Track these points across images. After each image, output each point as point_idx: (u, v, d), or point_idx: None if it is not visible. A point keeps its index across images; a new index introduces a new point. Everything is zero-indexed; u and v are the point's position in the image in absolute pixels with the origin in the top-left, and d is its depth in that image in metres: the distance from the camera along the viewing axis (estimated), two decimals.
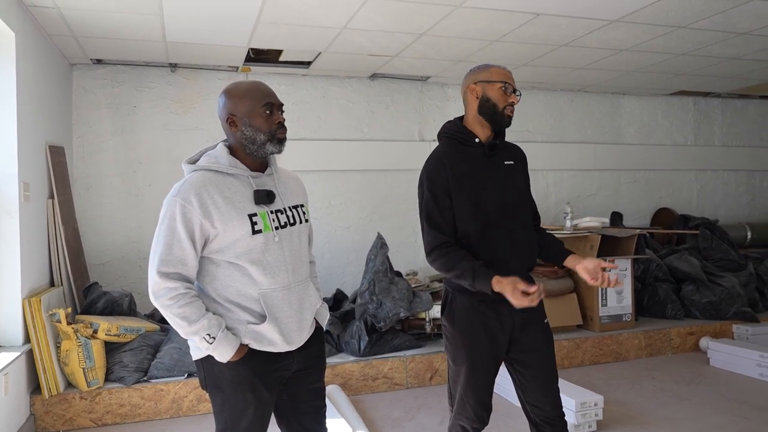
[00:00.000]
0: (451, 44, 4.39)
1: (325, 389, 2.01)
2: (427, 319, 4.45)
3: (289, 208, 1.88)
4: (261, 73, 5.07)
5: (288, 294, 1.81)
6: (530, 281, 2.10)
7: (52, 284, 3.90)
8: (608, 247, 4.89)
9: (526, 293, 1.89)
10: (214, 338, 1.69)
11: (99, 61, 4.72)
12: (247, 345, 1.76)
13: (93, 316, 3.78)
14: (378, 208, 5.54)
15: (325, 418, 1.99)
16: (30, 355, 3.38)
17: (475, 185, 2.09)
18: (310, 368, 1.92)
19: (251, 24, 3.86)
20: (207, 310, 1.74)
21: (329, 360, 4.10)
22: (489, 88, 2.10)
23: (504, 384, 3.98)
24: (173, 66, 4.91)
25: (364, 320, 4.22)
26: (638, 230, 5.06)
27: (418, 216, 2.17)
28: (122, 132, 4.84)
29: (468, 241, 2.09)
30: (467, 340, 2.10)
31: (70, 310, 3.59)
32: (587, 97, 6.30)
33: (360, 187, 5.49)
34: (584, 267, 2.09)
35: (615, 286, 1.89)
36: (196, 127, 4.96)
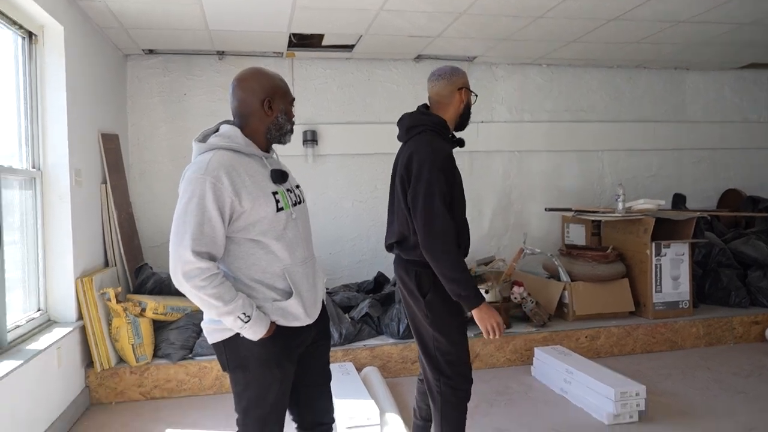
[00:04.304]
0: (493, 22, 4.26)
1: (329, 364, 2.06)
2: None
3: (295, 187, 1.94)
4: (305, 59, 5.11)
5: (305, 268, 1.86)
6: None
7: (106, 265, 4.12)
8: (664, 230, 4.64)
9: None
10: (249, 317, 1.70)
11: (151, 51, 4.90)
12: (274, 322, 1.79)
13: (142, 295, 3.97)
14: None
15: (330, 391, 2.04)
16: (83, 331, 3.59)
17: (459, 179, 2.31)
18: (319, 342, 1.98)
19: (288, 9, 3.89)
20: None
21: (369, 342, 4.14)
22: (469, 95, 2.37)
23: (542, 369, 3.89)
24: (221, 54, 5.03)
25: None
26: (698, 213, 4.78)
27: (410, 197, 2.19)
28: (173, 119, 5.01)
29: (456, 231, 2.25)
30: (453, 310, 2.31)
31: (120, 289, 3.78)
32: (646, 74, 5.96)
33: None
34: None
35: None
36: None
